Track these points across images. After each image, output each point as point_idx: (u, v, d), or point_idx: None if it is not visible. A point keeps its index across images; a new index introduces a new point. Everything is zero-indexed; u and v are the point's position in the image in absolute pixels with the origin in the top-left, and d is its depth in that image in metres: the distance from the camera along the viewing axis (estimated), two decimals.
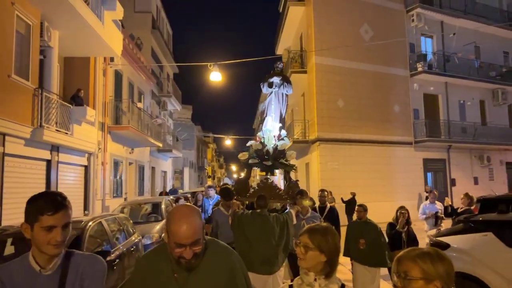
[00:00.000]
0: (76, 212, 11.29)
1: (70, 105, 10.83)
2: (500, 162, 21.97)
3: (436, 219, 8.92)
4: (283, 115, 7.56)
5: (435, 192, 10.35)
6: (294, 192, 6.10)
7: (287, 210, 5.46)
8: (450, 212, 8.75)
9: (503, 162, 22.14)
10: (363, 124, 17.88)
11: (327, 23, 17.86)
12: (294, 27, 21.58)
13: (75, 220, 5.47)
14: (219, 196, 8.45)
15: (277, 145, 6.99)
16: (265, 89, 7.56)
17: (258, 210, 4.64)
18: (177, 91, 29.00)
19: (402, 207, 6.01)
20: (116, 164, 15.49)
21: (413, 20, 19.33)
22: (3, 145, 8.08)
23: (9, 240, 4.43)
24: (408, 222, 5.90)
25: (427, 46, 20.71)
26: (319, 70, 17.48)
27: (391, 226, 6.03)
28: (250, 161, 6.98)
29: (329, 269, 1.80)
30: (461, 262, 5.14)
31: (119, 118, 15.19)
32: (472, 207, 8.00)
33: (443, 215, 8.90)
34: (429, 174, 19.97)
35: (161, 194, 19.00)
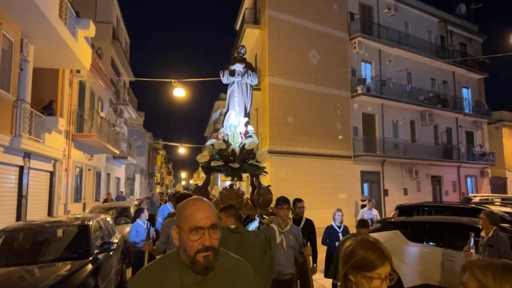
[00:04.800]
0: (41, 216, 11.98)
1: (42, 115, 11.60)
2: (426, 176, 24.91)
3: (371, 223, 10.72)
4: (248, 109, 6.27)
5: (373, 201, 12.25)
6: (266, 200, 5.49)
7: (260, 224, 4.80)
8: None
9: (429, 175, 25.13)
10: (309, 139, 19.83)
11: (279, 47, 19.71)
12: (249, 46, 23.22)
13: (74, 217, 6.57)
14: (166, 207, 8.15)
15: (244, 144, 5.79)
16: (225, 79, 6.26)
17: (232, 226, 3.50)
18: (133, 99, 29.59)
19: None
20: (77, 170, 16.13)
21: (355, 47, 21.72)
22: None
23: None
24: None
25: (367, 71, 23.24)
26: (271, 89, 19.23)
27: None
28: (212, 164, 5.64)
29: None
30: None
31: (82, 126, 15.91)
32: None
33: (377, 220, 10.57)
34: (365, 185, 22.32)
35: (105, 201, 17.74)
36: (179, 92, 13.95)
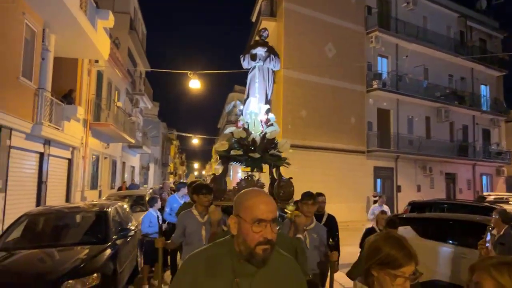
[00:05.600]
0: (59, 202, 12.33)
1: (62, 104, 11.88)
2: (440, 173, 24.71)
3: None
4: (269, 96, 5.94)
5: (384, 197, 12.27)
6: (287, 194, 5.29)
7: (281, 219, 4.46)
8: None
9: (443, 172, 24.93)
10: (322, 133, 19.83)
11: (295, 39, 19.66)
12: None
13: (92, 203, 6.80)
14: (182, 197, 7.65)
15: (265, 133, 5.47)
16: (246, 63, 5.94)
17: None
18: (149, 89, 29.91)
19: None
20: (94, 158, 16.48)
21: (371, 42, 21.54)
22: (10, 139, 9.12)
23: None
24: None
25: (383, 65, 23.05)
26: (286, 82, 19.24)
27: None
28: (232, 153, 5.35)
29: None
30: None
31: (99, 115, 16.21)
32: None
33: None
34: (378, 181, 22.26)
35: (120, 189, 17.91)
36: (195, 84, 14.11)
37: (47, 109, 10.93)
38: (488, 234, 4.16)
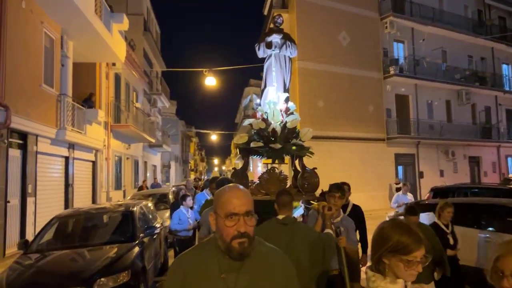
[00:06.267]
0: (86, 203, 12.70)
1: (83, 108, 12.21)
2: (463, 156, 24.21)
3: None
4: (288, 85, 5.74)
5: (408, 185, 12.02)
6: (312, 185, 5.13)
7: (306, 211, 4.44)
8: None
9: (466, 156, 24.41)
10: (341, 123, 19.70)
11: (308, 30, 19.52)
12: None
13: (118, 203, 7.02)
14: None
15: (285, 122, 5.25)
16: (261, 52, 5.77)
17: (281, 217, 3.08)
18: (166, 89, 30.26)
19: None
20: (116, 159, 16.87)
21: (386, 27, 21.18)
22: (36, 145, 9.46)
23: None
24: None
25: (399, 51, 22.66)
26: (301, 73, 19.15)
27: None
28: (252, 145, 5.17)
29: None
30: None
31: (119, 117, 16.56)
32: None
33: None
34: (400, 168, 22.01)
35: (140, 188, 17.29)
36: (210, 81, 14.24)
37: (70, 114, 11.26)
38: None
